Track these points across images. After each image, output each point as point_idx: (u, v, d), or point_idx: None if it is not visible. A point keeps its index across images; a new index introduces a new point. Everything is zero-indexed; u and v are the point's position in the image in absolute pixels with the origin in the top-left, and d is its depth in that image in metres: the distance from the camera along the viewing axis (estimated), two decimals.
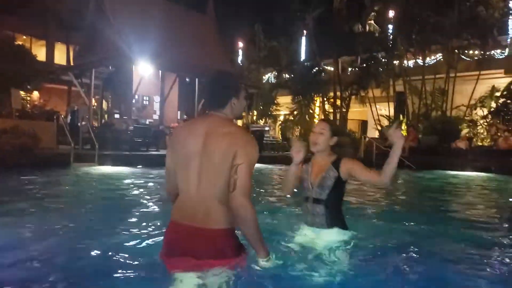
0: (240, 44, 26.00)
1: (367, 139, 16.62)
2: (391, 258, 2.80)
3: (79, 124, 13.15)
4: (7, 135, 9.70)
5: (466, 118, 19.39)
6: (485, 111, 19.33)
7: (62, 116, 12.58)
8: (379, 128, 19.90)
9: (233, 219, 2.08)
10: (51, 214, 3.99)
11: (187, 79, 18.06)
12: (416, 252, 3.03)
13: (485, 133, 18.99)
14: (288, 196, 3.48)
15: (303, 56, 23.73)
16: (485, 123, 19.22)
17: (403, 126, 19.07)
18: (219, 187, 2.05)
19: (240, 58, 26.11)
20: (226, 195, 2.04)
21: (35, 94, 17.83)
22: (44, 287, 2.11)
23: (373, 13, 20.93)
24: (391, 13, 20.51)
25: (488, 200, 7.00)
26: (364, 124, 24.88)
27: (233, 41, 25.33)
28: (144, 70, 15.39)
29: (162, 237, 2.21)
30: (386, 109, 21.15)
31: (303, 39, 24.09)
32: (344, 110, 20.72)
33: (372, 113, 21.00)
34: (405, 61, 20.68)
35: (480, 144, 18.17)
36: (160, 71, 17.17)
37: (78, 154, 10.43)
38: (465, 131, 18.62)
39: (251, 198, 2.02)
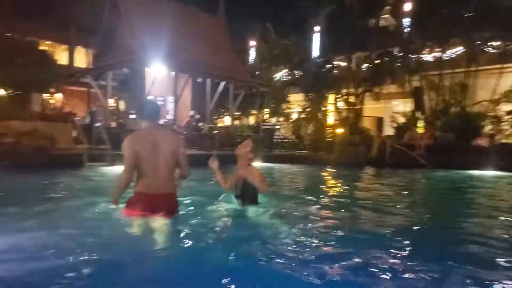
0: (252, 43, 26.27)
1: (380, 137, 16.55)
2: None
3: (96, 125, 13.81)
4: (27, 137, 10.39)
5: (489, 114, 18.39)
6: (511, 107, 18.59)
7: (77, 118, 13.22)
8: (395, 125, 19.67)
9: (175, 187, 3.76)
10: (51, 212, 4.41)
11: (199, 79, 18.51)
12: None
13: (511, 130, 18.25)
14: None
15: (315, 53, 23.77)
16: (511, 119, 18.45)
17: (420, 123, 18.78)
18: (171, 169, 3.67)
19: (251, 57, 26.39)
20: (173, 172, 3.70)
21: (58, 96, 18.67)
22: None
23: (387, 7, 20.69)
24: (407, 6, 20.23)
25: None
26: (380, 121, 24.68)
27: (244, 40, 25.59)
28: (157, 71, 15.92)
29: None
30: (402, 105, 20.91)
31: (315, 36, 24.11)
32: (358, 107, 20.64)
33: (387, 110, 20.83)
34: (422, 56, 20.24)
35: (505, 141, 17.45)
36: (173, 72, 17.70)
37: (92, 154, 10.98)
38: (488, 128, 17.72)
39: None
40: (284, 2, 25.80)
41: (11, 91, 13.57)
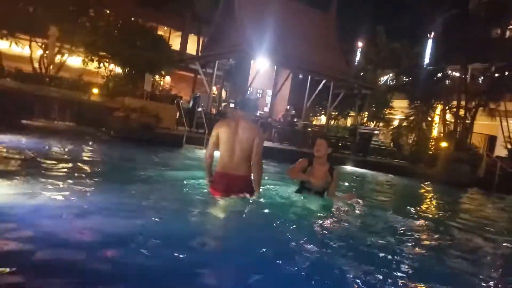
0: (360, 44, 25.34)
1: (491, 157, 14.91)
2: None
3: (198, 109, 14.47)
4: (136, 113, 11.23)
5: None
6: None
7: (181, 101, 13.97)
8: (509, 146, 17.58)
9: (250, 171, 4.14)
10: (148, 181, 5.05)
11: (300, 76, 18.37)
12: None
13: None
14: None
15: (426, 60, 22.10)
16: None
17: None
18: (246, 154, 4.07)
19: (357, 58, 25.46)
20: (249, 158, 4.08)
21: (167, 79, 20.00)
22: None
23: None
24: None
25: None
26: (492, 139, 22.19)
27: (352, 40, 24.79)
28: (260, 65, 16.14)
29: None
30: None
31: (429, 42, 22.41)
32: (468, 121, 18.77)
33: (502, 129, 18.65)
34: None
35: None
36: (275, 66, 17.80)
37: (191, 136, 11.53)
38: None
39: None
40: (400, 5, 24.46)
41: (127, 70, 14.86)
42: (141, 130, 10.62)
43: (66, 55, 18.26)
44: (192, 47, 27.42)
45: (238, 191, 4.05)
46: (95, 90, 14.84)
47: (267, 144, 9.14)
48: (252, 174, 4.18)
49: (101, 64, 15.63)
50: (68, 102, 12.01)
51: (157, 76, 16.39)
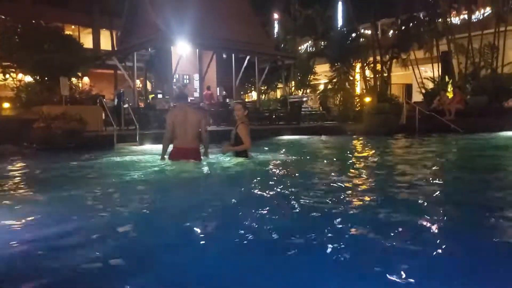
0: (275, 16, 25.68)
1: (409, 104, 16.09)
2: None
3: (124, 106, 13.90)
4: (58, 120, 10.57)
5: None
6: None
7: (105, 100, 13.36)
8: (423, 91, 19.06)
9: (198, 144, 5.88)
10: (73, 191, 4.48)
11: (224, 56, 18.28)
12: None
13: None
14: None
15: (340, 22, 23.02)
16: None
17: (449, 88, 18.15)
18: (194, 132, 5.77)
19: (276, 29, 25.85)
20: (197, 135, 5.80)
21: (85, 79, 18.92)
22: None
23: None
24: None
25: None
26: (408, 88, 23.87)
27: (268, 13, 25.05)
28: (182, 50, 15.80)
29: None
30: (431, 70, 20.17)
31: (339, 4, 23.32)
32: (385, 74, 20.03)
33: (416, 76, 20.15)
34: (449, 19, 19.42)
35: None
36: (197, 50, 17.53)
37: (121, 135, 11.09)
38: None
39: None
40: None
41: (38, 77, 13.83)
42: (66, 137, 10.02)
43: None
44: (106, 43, 26.04)
45: (191, 158, 5.74)
46: (6, 105, 13.67)
47: None
48: (202, 145, 5.90)
49: (7, 75, 14.39)
50: None
51: (74, 79, 15.44)
